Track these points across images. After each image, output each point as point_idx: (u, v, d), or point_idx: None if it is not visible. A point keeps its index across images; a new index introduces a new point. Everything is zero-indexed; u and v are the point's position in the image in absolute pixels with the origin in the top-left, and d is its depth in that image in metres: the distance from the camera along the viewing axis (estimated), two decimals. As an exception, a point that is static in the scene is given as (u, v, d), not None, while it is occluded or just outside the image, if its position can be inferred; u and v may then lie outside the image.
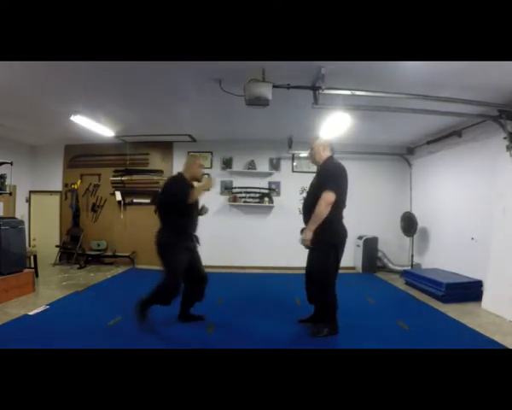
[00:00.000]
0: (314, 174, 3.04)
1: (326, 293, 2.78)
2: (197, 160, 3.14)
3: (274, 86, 2.91)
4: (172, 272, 2.82)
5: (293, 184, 6.09)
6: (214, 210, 5.78)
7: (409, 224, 5.51)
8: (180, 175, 3.03)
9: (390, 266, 5.86)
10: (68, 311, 3.49)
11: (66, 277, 5.14)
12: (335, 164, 2.86)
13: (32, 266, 4.86)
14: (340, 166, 2.83)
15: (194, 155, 3.08)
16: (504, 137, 3.64)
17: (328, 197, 2.66)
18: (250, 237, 6.17)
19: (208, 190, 3.05)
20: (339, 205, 2.75)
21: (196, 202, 2.99)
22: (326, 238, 2.71)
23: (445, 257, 4.91)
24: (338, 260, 2.81)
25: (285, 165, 6.21)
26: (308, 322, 3.05)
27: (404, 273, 5.16)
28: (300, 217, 3.00)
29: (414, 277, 4.80)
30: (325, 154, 2.89)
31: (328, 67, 2.78)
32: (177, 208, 2.81)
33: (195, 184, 3.01)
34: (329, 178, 2.74)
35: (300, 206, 5.79)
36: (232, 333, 2.88)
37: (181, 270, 2.84)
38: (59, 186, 6.43)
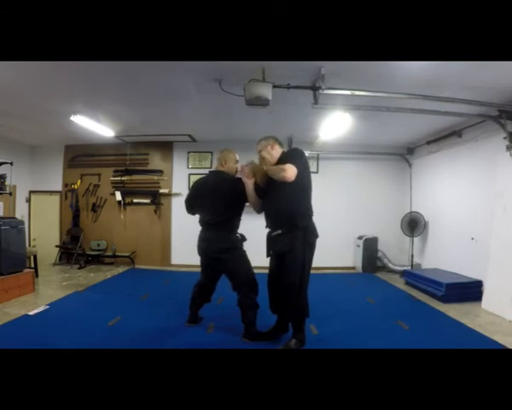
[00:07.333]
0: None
1: (299, 297, 2.45)
2: (234, 155, 2.90)
3: (274, 86, 2.91)
4: (251, 270, 2.87)
5: (294, 184, 6.08)
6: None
7: (413, 224, 5.47)
8: (229, 175, 2.83)
9: (390, 266, 5.86)
10: (68, 311, 3.49)
11: (67, 277, 5.14)
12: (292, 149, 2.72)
13: (32, 266, 4.86)
14: (299, 150, 2.58)
15: (230, 149, 2.92)
16: (504, 137, 3.64)
17: (292, 170, 2.28)
18: (250, 237, 6.13)
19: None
20: (309, 196, 2.49)
21: None
22: (301, 237, 2.41)
23: (445, 257, 4.90)
24: (311, 261, 2.50)
25: (285, 165, 6.20)
26: (278, 334, 2.74)
27: (404, 273, 5.16)
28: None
29: (414, 277, 4.79)
30: (276, 151, 2.63)
31: (327, 67, 2.78)
32: (241, 209, 2.87)
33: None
34: (291, 154, 2.55)
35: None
36: (232, 333, 2.88)
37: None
38: (59, 186, 6.42)
